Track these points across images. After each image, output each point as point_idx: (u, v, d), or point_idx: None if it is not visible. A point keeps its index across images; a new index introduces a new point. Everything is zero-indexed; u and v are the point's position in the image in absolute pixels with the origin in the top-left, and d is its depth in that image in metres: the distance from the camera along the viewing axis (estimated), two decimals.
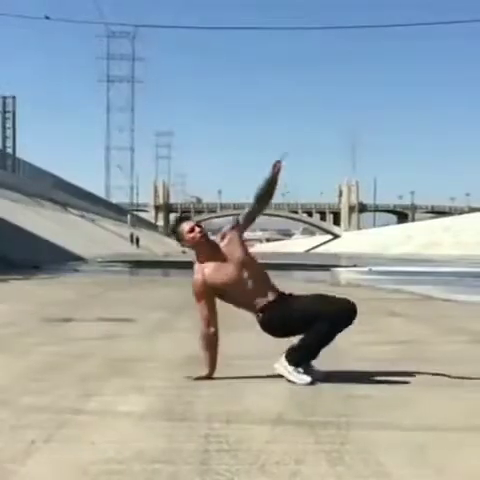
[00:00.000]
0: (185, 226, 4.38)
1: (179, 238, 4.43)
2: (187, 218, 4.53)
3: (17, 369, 4.74)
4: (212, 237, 4.51)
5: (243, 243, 4.42)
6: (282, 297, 4.38)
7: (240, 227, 4.44)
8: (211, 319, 4.36)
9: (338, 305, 4.34)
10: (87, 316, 8.15)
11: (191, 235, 4.35)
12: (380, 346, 5.99)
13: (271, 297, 4.34)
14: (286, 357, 4.31)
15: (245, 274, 4.32)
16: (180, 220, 4.48)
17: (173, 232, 4.50)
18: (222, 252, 4.34)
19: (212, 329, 4.36)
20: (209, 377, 4.35)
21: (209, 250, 4.37)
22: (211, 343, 4.37)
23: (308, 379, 4.26)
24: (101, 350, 5.57)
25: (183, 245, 4.49)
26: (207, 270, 4.32)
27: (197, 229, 4.35)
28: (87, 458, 2.78)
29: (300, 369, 4.30)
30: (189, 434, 3.15)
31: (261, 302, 4.32)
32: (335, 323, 4.28)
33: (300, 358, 4.31)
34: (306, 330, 4.28)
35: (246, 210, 4.49)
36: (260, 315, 4.36)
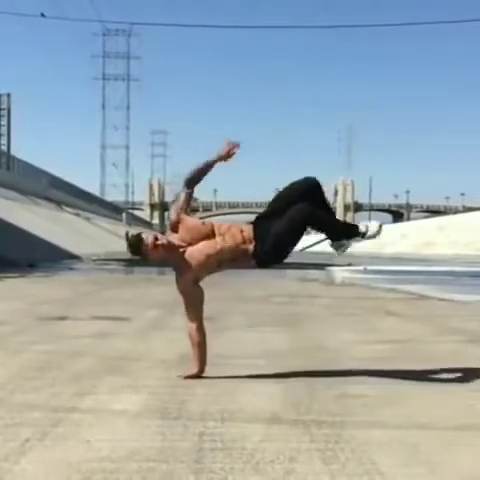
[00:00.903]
0: (149, 243, 4.31)
1: (145, 257, 4.36)
2: (139, 238, 4.36)
3: (11, 367, 4.73)
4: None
5: (196, 220, 4.51)
6: (258, 224, 4.37)
7: (183, 211, 4.48)
8: (197, 315, 4.36)
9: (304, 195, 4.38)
10: (81, 314, 8.14)
11: (158, 250, 4.31)
12: (375, 345, 6.00)
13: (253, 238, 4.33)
14: (343, 237, 4.48)
15: (219, 238, 4.31)
16: (135, 241, 4.35)
17: (136, 254, 4.38)
18: (189, 236, 4.35)
19: (197, 324, 4.35)
20: (199, 375, 4.35)
21: (180, 244, 4.36)
22: (198, 339, 4.36)
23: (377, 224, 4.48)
24: (95, 348, 5.57)
25: (152, 259, 4.40)
26: (193, 260, 4.31)
27: (158, 242, 4.31)
28: (81, 456, 2.78)
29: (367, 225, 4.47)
30: (183, 432, 3.15)
31: (250, 248, 4.31)
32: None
33: (342, 233, 4.49)
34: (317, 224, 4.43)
35: (182, 198, 4.50)
36: (253, 261, 4.35)
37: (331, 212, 4.63)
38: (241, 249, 4.30)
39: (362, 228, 4.46)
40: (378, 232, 4.48)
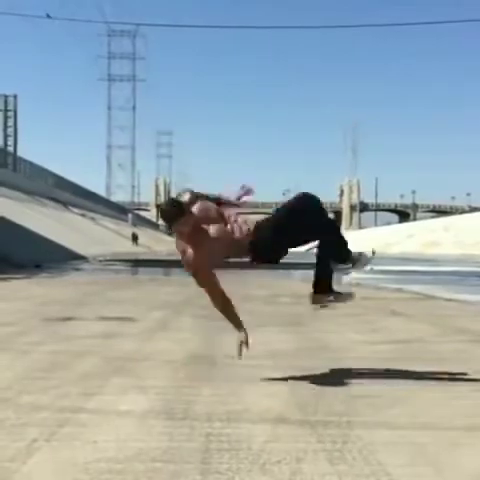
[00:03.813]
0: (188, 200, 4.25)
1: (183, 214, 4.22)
2: (175, 199, 4.29)
3: (17, 368, 4.74)
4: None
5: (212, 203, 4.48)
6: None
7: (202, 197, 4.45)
8: (216, 285, 4.31)
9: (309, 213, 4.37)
10: (87, 315, 8.15)
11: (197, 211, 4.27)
12: (381, 345, 5.99)
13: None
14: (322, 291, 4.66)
15: (231, 226, 4.34)
16: (171, 203, 4.25)
17: (174, 216, 4.21)
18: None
19: (219, 290, 4.30)
20: (246, 339, 4.28)
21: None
22: (226, 305, 4.32)
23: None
24: (101, 349, 5.58)
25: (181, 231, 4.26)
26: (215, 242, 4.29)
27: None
28: (88, 457, 2.79)
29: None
30: (190, 433, 3.15)
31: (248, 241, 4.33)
32: (320, 231, 4.45)
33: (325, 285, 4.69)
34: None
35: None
36: (249, 254, 4.37)
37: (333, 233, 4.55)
38: (243, 241, 4.33)
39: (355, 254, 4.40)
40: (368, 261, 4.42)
